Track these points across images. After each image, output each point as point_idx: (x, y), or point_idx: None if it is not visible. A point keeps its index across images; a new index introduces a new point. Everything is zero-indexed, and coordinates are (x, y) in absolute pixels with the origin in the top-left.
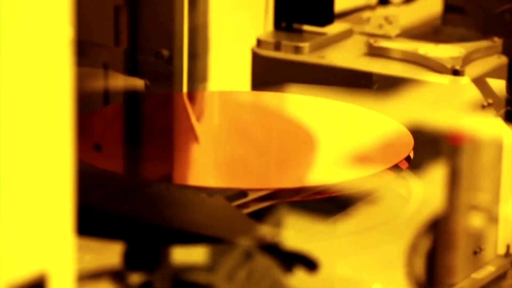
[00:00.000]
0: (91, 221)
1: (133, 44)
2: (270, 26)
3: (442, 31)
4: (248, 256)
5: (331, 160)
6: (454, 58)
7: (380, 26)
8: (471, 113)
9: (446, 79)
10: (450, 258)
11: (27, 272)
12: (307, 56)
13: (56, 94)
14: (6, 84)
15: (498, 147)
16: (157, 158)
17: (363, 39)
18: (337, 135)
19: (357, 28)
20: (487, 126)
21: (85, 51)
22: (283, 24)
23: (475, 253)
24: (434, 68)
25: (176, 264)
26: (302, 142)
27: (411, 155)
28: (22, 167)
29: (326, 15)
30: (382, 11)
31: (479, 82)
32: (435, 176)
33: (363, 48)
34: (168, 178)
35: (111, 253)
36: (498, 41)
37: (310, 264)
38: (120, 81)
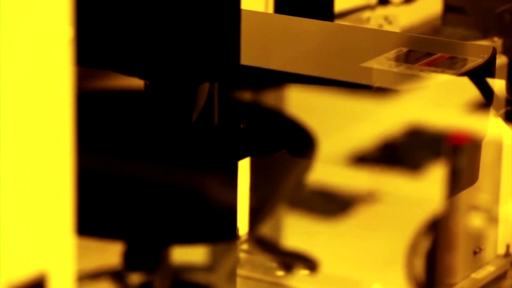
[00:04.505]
0: (91, 221)
1: None
2: None
3: (442, 31)
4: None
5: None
6: None
7: (380, 26)
8: (471, 113)
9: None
10: (450, 258)
11: (27, 272)
12: None
13: (56, 94)
14: (6, 84)
15: (498, 147)
16: None
17: None
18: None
19: None
20: (487, 126)
21: None
22: None
23: (475, 253)
24: None
25: (176, 264)
26: None
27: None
28: (22, 167)
29: (326, 15)
30: (382, 11)
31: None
32: (435, 176)
33: None
34: None
35: (111, 253)
36: (498, 41)
37: (310, 264)
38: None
